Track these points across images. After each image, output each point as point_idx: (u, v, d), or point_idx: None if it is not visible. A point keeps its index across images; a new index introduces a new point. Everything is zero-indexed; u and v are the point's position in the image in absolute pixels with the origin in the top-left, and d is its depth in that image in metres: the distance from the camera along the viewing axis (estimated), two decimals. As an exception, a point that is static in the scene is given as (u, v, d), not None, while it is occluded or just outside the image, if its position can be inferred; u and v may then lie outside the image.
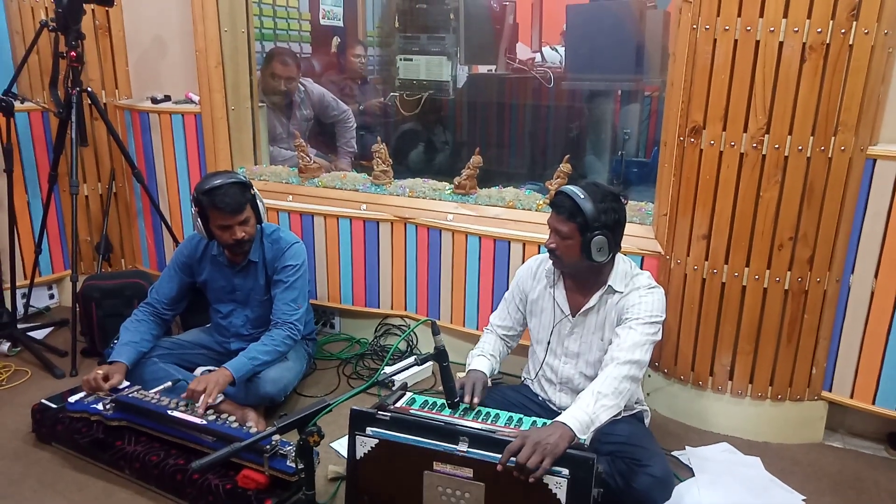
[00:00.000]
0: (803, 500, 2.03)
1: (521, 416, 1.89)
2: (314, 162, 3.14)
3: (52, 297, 3.33)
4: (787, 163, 2.08)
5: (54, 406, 2.22)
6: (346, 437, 1.79)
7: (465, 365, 2.13)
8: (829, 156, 2.06)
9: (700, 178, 2.22)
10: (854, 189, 2.09)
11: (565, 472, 1.58)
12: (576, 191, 1.85)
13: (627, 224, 2.28)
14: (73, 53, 2.73)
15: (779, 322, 2.23)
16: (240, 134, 3.19)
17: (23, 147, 3.06)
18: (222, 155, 3.09)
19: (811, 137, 2.05)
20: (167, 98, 3.20)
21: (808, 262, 2.16)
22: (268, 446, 1.81)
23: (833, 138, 2.04)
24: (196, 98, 3.11)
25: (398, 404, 1.93)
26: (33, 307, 3.19)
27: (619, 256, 1.98)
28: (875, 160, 2.06)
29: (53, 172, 2.94)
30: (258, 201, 2.33)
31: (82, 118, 2.82)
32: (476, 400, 1.92)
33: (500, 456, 1.61)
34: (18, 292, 3.05)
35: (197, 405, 2.06)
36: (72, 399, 2.19)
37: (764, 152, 2.09)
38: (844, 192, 2.09)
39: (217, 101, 3.04)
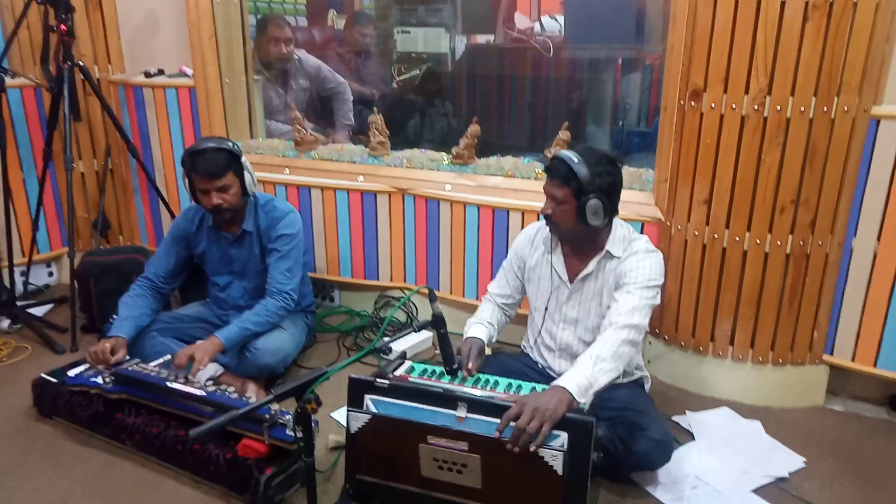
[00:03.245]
0: (804, 462, 2.03)
1: (521, 382, 1.89)
2: (310, 134, 3.10)
3: (50, 274, 3.33)
4: (789, 125, 2.05)
5: (54, 380, 2.22)
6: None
7: (463, 335, 2.11)
8: (832, 117, 2.02)
9: (701, 143, 2.19)
10: (857, 150, 2.06)
11: (562, 439, 1.57)
12: (570, 155, 1.83)
13: (627, 191, 2.26)
14: (63, 27, 2.68)
15: (780, 286, 2.21)
16: (235, 108, 3.15)
17: (16, 123, 3.03)
18: (217, 129, 3.06)
19: (814, 98, 2.01)
20: (161, 72, 3.16)
21: (810, 226, 2.14)
22: (267, 416, 1.81)
23: (836, 99, 2.00)
24: (190, 72, 3.06)
25: (397, 372, 1.93)
26: (32, 285, 3.19)
27: (616, 221, 1.96)
28: (879, 121, 2.02)
29: (48, 149, 2.91)
30: (246, 172, 2.30)
31: (75, 93, 2.79)
32: (472, 365, 1.91)
33: (498, 422, 1.60)
34: (17, 270, 3.05)
35: (191, 375, 2.07)
36: (71, 373, 2.20)
37: (766, 115, 2.05)
38: (847, 154, 2.06)
39: (211, 74, 3.00)
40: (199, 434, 1.45)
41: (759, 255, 2.19)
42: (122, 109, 3.24)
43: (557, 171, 1.84)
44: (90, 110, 3.15)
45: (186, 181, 2.30)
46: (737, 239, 2.20)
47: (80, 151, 3.18)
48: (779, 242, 2.16)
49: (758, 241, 2.18)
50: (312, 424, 1.63)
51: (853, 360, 2.24)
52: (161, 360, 2.21)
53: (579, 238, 1.94)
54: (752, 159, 2.11)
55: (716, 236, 2.23)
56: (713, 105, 2.13)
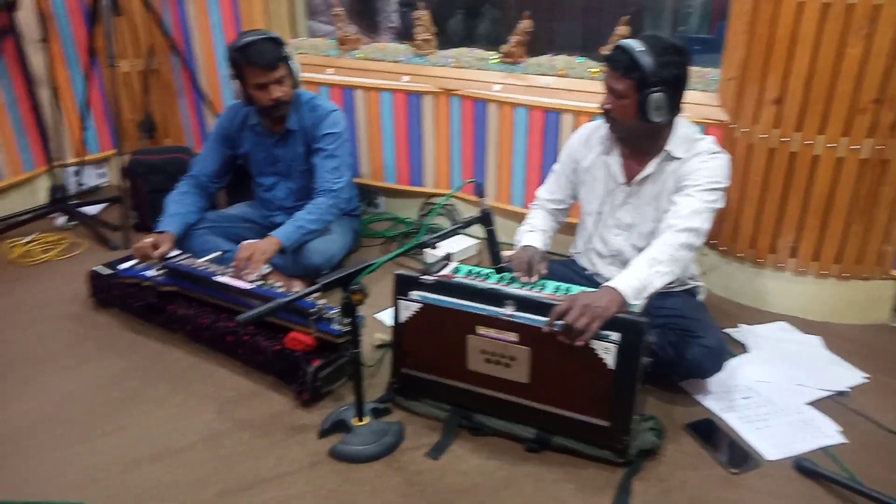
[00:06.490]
0: (865, 378, 1.94)
1: (569, 285, 1.83)
2: (354, 33, 2.98)
3: (102, 175, 3.37)
4: (880, 11, 1.85)
5: (107, 272, 2.27)
6: (392, 307, 1.77)
7: (514, 246, 2.05)
8: (931, 3, 1.82)
9: (776, 34, 2.01)
10: (956, 42, 1.86)
11: (615, 335, 1.53)
12: (634, 44, 1.69)
13: (690, 92, 2.10)
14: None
15: (852, 195, 2.07)
16: (277, 5, 3.04)
17: (58, 17, 2.99)
18: (259, 25, 2.96)
19: (911, -19, 1.80)
20: (200, -35, 3.05)
21: (892, 129, 1.97)
22: (314, 309, 1.82)
23: (938, -19, 1.79)
24: (229, -36, 2.95)
25: (442, 273, 1.89)
26: (85, 185, 3.24)
27: (679, 120, 1.83)
28: None
29: (91, 45, 2.87)
30: (292, 61, 2.23)
31: (113, -15, 2.73)
32: (542, 273, 1.81)
33: (545, 320, 1.56)
34: (70, 171, 3.09)
35: (245, 273, 2.07)
36: (123, 266, 2.24)
37: None
38: (944, 46, 1.86)
39: (250, -34, 2.88)
40: (246, 319, 1.45)
41: (832, 161, 2.04)
42: (163, 7, 3.16)
43: (619, 62, 1.71)
44: (133, 7, 3.08)
45: (236, 82, 2.23)
46: (808, 142, 2.05)
47: (123, 50, 3.14)
48: (855, 147, 2.00)
49: (831, 144, 2.02)
50: (358, 317, 1.63)
51: (925, 274, 2.11)
52: (211, 256, 2.23)
53: (639, 137, 1.82)
54: (833, 52, 1.93)
55: (785, 139, 2.08)
56: (794, -9, 1.93)
